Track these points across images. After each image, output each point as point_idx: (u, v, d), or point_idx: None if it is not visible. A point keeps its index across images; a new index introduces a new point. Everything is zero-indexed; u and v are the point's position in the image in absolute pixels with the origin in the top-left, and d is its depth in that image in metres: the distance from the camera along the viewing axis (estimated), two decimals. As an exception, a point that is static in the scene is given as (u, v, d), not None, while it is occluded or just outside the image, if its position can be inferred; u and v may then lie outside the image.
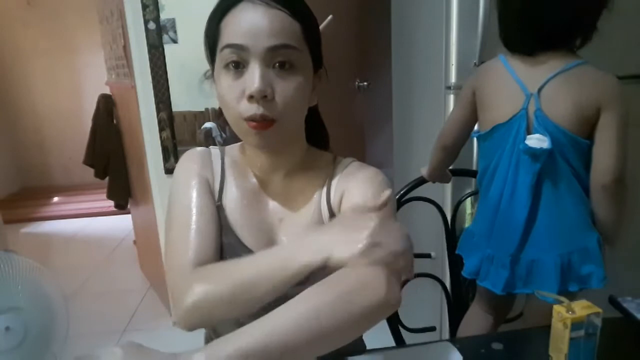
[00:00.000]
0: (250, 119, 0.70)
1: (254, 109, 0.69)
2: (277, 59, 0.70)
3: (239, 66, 0.70)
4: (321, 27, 0.80)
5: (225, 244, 0.78)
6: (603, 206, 1.13)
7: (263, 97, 0.69)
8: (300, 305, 0.57)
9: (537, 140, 1.09)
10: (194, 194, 0.78)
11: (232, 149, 0.88)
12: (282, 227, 0.82)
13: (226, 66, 0.71)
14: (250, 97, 0.69)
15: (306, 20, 0.73)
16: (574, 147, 1.10)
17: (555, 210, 1.14)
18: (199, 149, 0.86)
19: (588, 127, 1.09)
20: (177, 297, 0.68)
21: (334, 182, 0.82)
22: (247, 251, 0.78)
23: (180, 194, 0.79)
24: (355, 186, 0.79)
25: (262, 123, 0.70)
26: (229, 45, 0.70)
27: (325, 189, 0.83)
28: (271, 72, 0.70)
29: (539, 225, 1.15)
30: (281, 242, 0.81)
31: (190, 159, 0.84)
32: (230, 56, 0.70)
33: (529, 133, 1.12)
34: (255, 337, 0.52)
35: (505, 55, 1.18)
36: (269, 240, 0.81)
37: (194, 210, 0.77)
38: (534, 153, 1.09)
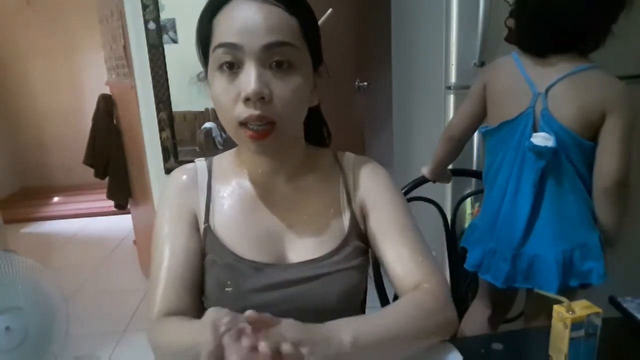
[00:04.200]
0: (246, 120, 0.66)
1: (250, 111, 0.65)
2: (274, 58, 0.66)
3: (233, 67, 0.66)
4: (320, 21, 0.77)
5: (222, 265, 0.75)
6: (604, 209, 1.14)
7: (260, 99, 0.65)
8: (390, 318, 0.68)
9: (542, 139, 1.10)
10: (169, 235, 0.77)
11: (223, 158, 0.84)
12: (293, 233, 0.77)
13: (220, 67, 0.67)
14: (247, 100, 0.65)
15: (304, 16, 0.69)
16: (578, 147, 1.11)
17: (558, 207, 1.15)
18: (183, 170, 0.82)
19: (592, 130, 1.10)
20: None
21: (351, 183, 0.81)
22: (253, 266, 0.74)
23: (157, 232, 0.78)
24: (380, 204, 0.80)
25: (260, 132, 0.67)
26: (221, 45, 0.66)
27: (342, 190, 0.81)
28: (268, 73, 0.66)
29: (541, 222, 1.17)
30: (291, 252, 0.77)
31: (174, 186, 0.81)
32: (224, 56, 0.66)
33: (535, 131, 1.13)
34: (369, 333, 0.62)
35: (518, 53, 1.18)
36: (276, 251, 0.77)
37: (167, 252, 0.75)
38: (539, 151, 1.11)
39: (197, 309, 0.76)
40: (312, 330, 0.57)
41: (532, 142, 1.11)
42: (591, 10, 1.07)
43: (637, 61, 1.49)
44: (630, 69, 1.26)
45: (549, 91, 1.11)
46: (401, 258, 0.76)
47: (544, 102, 1.11)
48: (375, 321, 0.65)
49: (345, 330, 0.60)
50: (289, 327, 0.55)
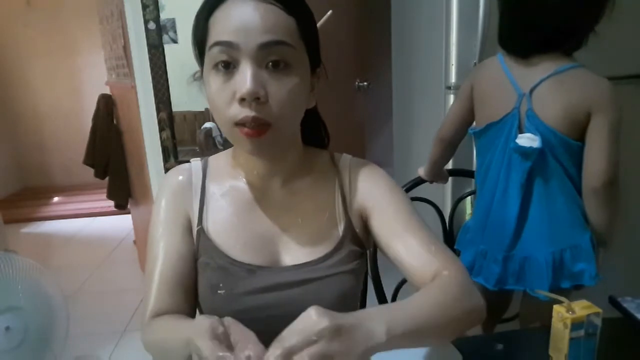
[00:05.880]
0: (242, 122, 0.65)
1: (245, 112, 0.64)
2: (270, 58, 0.65)
3: (229, 66, 0.65)
4: (320, 22, 0.76)
5: (215, 268, 0.74)
6: (595, 209, 1.13)
7: (255, 99, 0.63)
8: (420, 307, 0.63)
9: (527, 140, 1.10)
10: (163, 237, 0.77)
11: (219, 159, 0.83)
12: (287, 236, 0.77)
13: (215, 66, 0.66)
14: (242, 100, 0.64)
15: (301, 16, 0.68)
16: (565, 147, 1.11)
17: (547, 208, 1.15)
18: (178, 170, 0.81)
19: (579, 130, 1.09)
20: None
21: (347, 185, 0.79)
22: (247, 269, 0.73)
23: (152, 233, 0.78)
24: (382, 204, 0.77)
25: (256, 130, 0.65)
26: (217, 43, 0.65)
27: (338, 193, 0.79)
28: (264, 73, 0.65)
29: (530, 223, 1.17)
30: (285, 255, 0.76)
31: (168, 187, 0.80)
32: (219, 55, 0.65)
33: (521, 132, 1.13)
34: (402, 321, 0.59)
35: (503, 54, 1.18)
36: (270, 253, 0.76)
37: (160, 255, 0.76)
38: (524, 152, 1.11)
39: (190, 311, 0.76)
40: (341, 320, 0.53)
41: (517, 144, 1.11)
42: (571, 11, 1.06)
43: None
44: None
45: (534, 92, 1.11)
46: (413, 250, 0.73)
47: (529, 103, 1.11)
48: (405, 310, 0.62)
49: (377, 319, 0.57)
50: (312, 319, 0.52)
